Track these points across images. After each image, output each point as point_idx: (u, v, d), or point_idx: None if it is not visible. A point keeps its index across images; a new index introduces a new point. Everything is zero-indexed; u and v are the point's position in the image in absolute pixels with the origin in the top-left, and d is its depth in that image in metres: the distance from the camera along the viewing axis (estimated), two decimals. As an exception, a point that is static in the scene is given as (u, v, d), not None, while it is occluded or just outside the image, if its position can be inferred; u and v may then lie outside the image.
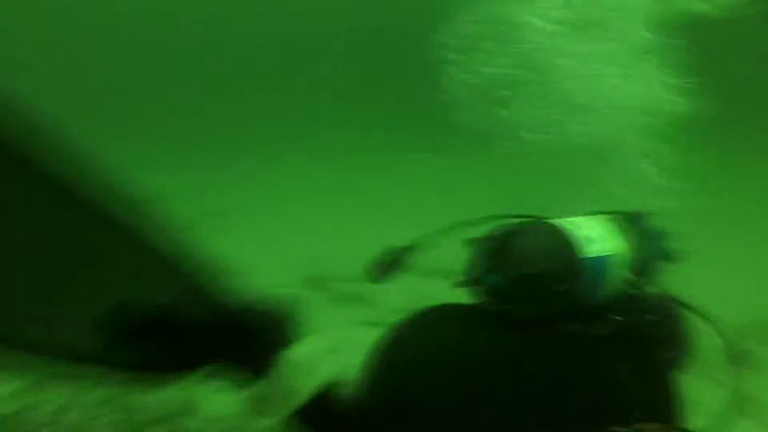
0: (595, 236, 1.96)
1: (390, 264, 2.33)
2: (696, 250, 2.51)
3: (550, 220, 2.00)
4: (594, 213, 2.14)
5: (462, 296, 2.17)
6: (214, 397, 4.39)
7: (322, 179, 11.49)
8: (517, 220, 2.10)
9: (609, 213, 2.14)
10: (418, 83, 7.89)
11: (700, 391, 2.39)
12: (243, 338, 1.72)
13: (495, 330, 1.91)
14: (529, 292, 1.85)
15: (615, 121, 3.10)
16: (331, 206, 10.07)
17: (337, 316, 6.17)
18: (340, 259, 7.31)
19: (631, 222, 2.10)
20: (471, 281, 1.96)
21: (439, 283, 3.44)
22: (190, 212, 6.80)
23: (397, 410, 1.86)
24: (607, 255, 1.94)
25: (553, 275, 1.83)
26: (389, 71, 16.21)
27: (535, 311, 1.89)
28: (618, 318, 1.97)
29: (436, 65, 3.28)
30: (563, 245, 1.89)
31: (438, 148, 10.30)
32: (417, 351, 1.96)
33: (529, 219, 2.12)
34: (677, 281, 2.23)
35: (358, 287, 6.81)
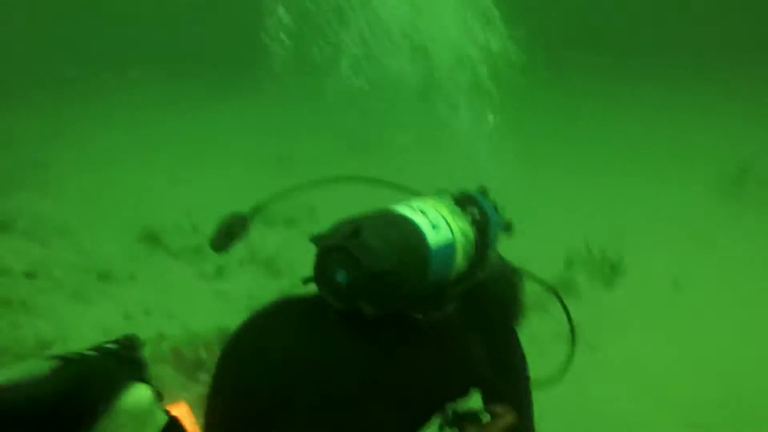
0: (440, 222, 1.89)
1: (230, 232, 2.39)
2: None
3: (394, 207, 1.93)
4: (434, 193, 2.12)
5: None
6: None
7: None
8: (352, 185, 2.35)
9: (448, 192, 2.14)
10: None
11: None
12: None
13: (341, 327, 1.83)
14: (377, 290, 1.74)
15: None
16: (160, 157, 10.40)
17: (175, 272, 7.25)
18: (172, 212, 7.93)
19: (470, 199, 2.10)
20: (317, 279, 1.83)
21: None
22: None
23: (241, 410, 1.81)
24: (454, 241, 1.90)
25: (403, 271, 1.74)
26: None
27: (383, 308, 1.79)
28: (460, 297, 2.01)
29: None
30: (410, 237, 1.80)
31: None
32: (260, 349, 1.86)
33: (364, 180, 2.35)
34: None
35: (195, 240, 7.59)
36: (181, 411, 1.79)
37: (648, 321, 6.43)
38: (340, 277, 1.77)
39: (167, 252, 7.39)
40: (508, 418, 1.92)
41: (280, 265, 7.09)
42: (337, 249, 1.78)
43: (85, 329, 6.09)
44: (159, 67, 15.09)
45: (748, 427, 5.09)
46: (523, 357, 2.25)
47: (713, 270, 7.15)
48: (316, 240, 1.86)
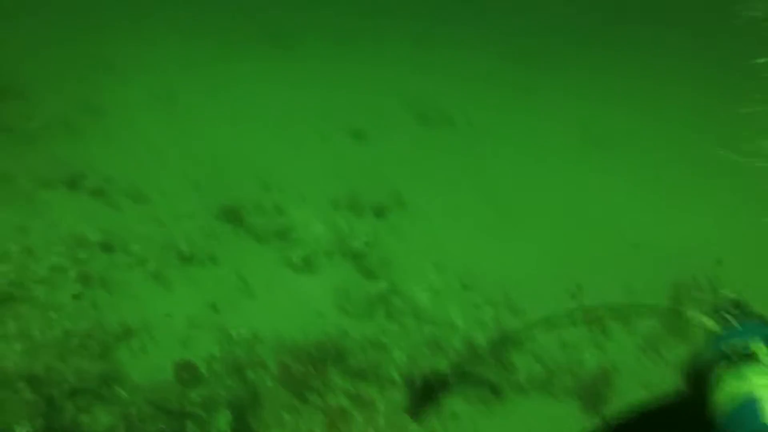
0: None
1: (426, 395, 2.57)
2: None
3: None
4: None
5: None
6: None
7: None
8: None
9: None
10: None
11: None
12: None
13: None
14: None
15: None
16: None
17: (259, 257, 6.68)
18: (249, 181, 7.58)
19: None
20: None
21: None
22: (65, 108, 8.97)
23: None
24: None
25: None
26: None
27: None
28: None
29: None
30: None
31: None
32: None
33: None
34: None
35: (278, 222, 7.09)
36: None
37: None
38: None
39: (249, 233, 6.87)
40: None
41: (372, 263, 6.61)
42: None
43: (170, 318, 5.64)
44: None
45: None
46: None
47: None
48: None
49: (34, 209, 6.62)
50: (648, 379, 5.51)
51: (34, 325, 5.20)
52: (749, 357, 2.15)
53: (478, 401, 5.17)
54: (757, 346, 2.17)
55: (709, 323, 2.44)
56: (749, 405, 2.01)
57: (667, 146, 10.71)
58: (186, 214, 6.97)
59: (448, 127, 10.45)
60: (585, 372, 5.47)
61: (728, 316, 2.44)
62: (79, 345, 5.15)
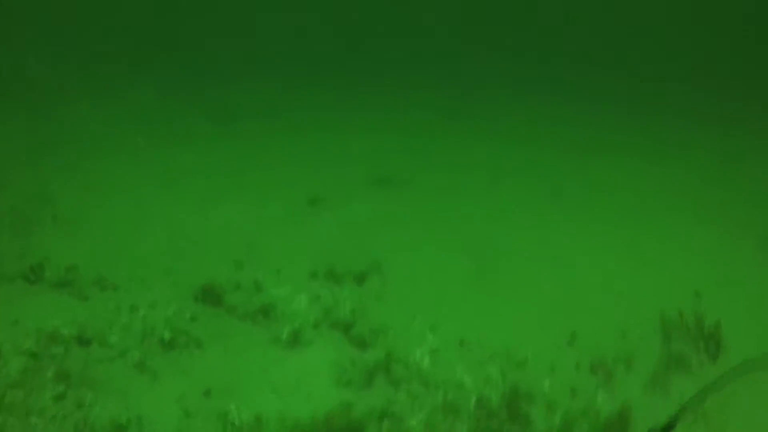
0: None
1: None
2: None
3: None
4: None
5: None
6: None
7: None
8: None
9: None
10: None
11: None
12: None
13: None
14: None
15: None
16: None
17: (244, 336, 6.34)
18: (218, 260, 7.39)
19: None
20: None
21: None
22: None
23: None
24: None
25: None
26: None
27: None
28: None
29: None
30: None
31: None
32: None
33: None
34: None
35: (258, 298, 6.82)
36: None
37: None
38: None
39: (231, 314, 6.54)
40: None
41: (362, 332, 6.38)
42: None
43: (162, 408, 5.24)
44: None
45: None
46: None
47: None
48: None
49: (-6, 307, 6.16)
50: (662, 415, 5.46)
51: (16, 435, 4.74)
52: None
53: (502, 459, 4.98)
54: None
55: None
56: None
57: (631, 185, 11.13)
58: (161, 299, 6.60)
59: (407, 186, 10.46)
60: (602, 416, 5.36)
61: None
62: (69, 450, 4.71)
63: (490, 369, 5.92)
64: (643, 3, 27.64)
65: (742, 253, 8.76)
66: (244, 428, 5.08)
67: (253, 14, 24.81)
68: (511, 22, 25.47)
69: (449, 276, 7.53)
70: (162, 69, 16.98)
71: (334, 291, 7.04)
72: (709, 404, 3.20)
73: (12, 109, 12.05)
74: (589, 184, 11.18)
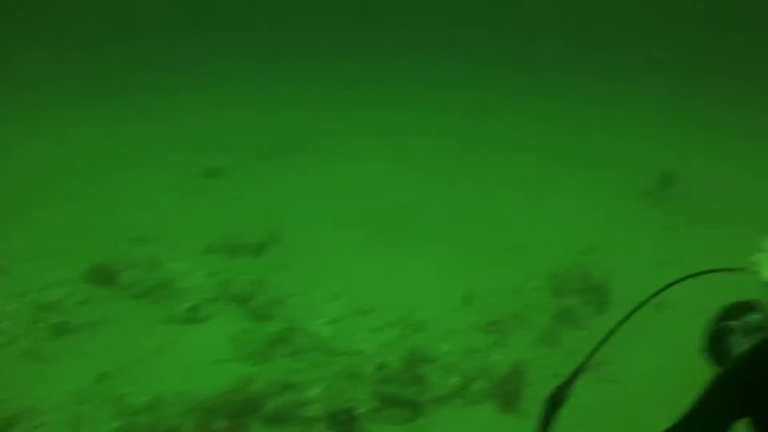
0: None
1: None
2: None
3: None
4: None
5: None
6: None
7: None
8: None
9: None
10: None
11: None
12: None
13: None
14: None
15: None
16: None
17: (139, 315, 6.18)
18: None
19: None
20: None
21: None
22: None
23: None
24: None
25: None
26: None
27: None
28: None
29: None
30: None
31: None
32: None
33: None
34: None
35: (154, 275, 6.65)
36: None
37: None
38: None
39: (126, 292, 6.38)
40: None
41: (261, 304, 6.36)
42: None
43: (54, 397, 5.08)
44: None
45: None
46: None
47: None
48: None
49: None
50: (556, 368, 5.73)
51: None
52: None
53: (400, 421, 5.10)
54: None
55: None
56: None
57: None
58: (52, 282, 6.37)
59: (304, 156, 10.40)
60: (497, 373, 5.57)
61: None
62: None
63: (389, 335, 6.04)
64: None
65: (624, 209, 9.24)
66: (142, 411, 5.00)
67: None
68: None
69: (348, 245, 7.58)
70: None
71: (232, 264, 6.98)
72: (600, 355, 3.48)
73: None
74: (486, 146, 11.46)
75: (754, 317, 2.57)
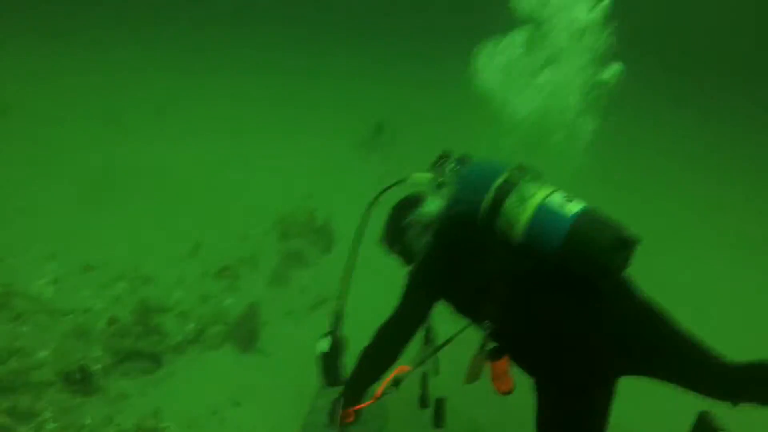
0: None
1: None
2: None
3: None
4: None
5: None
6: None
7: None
8: None
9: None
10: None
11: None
12: None
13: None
14: None
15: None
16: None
17: None
18: None
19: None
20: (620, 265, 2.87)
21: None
22: None
23: None
24: None
25: None
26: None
27: None
28: None
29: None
30: None
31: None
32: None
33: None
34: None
35: None
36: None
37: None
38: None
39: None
40: None
41: None
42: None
43: None
44: None
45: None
46: None
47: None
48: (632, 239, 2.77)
49: None
50: (288, 305, 6.09)
51: None
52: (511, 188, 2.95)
53: (141, 374, 5.07)
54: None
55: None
56: (544, 212, 2.77)
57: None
58: None
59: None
60: (232, 316, 5.75)
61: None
62: None
63: (117, 289, 5.89)
64: None
65: (341, 155, 9.91)
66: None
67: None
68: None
69: (67, 203, 7.14)
70: None
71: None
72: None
73: None
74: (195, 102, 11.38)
75: (422, 213, 3.42)
